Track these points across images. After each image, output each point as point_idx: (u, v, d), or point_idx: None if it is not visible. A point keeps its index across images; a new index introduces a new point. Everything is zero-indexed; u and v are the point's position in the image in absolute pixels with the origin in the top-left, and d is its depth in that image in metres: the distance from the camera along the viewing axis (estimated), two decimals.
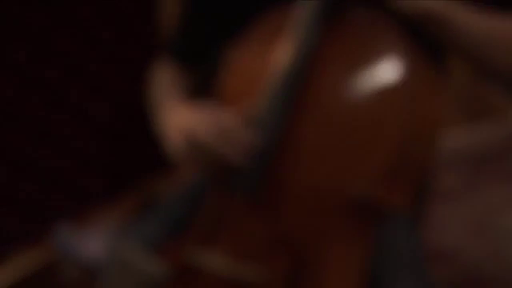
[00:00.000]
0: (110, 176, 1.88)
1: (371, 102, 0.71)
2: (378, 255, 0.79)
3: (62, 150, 1.69)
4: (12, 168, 1.58)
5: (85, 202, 1.82)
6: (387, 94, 0.71)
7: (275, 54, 0.77)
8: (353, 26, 0.78)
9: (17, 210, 1.63)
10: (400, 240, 0.90)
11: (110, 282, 0.49)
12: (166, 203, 1.01)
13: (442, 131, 0.76)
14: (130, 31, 1.72)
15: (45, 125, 1.62)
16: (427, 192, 1.23)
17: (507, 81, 0.79)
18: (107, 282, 0.49)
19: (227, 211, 0.75)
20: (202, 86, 0.99)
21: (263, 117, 0.73)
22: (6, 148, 1.55)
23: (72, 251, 1.64)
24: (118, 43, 1.73)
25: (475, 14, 0.75)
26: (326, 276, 0.70)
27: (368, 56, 0.74)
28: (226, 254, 0.73)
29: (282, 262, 0.72)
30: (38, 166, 1.64)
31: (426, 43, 0.77)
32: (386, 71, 0.72)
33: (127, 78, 1.80)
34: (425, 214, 1.28)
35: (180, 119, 0.81)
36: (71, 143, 1.72)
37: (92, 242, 1.86)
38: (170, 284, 0.75)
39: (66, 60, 1.60)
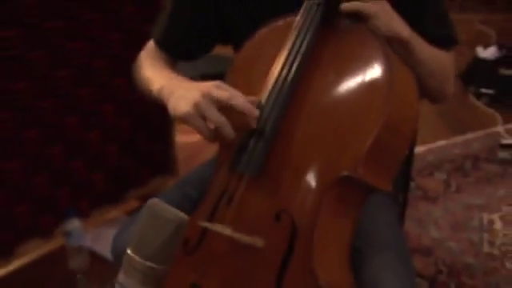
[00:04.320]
0: (116, 177, 1.97)
1: (356, 97, 0.81)
2: (361, 228, 0.90)
3: (75, 151, 1.79)
4: (31, 168, 1.67)
5: (93, 199, 1.91)
6: (370, 90, 0.81)
7: (278, 59, 0.88)
8: (342, 33, 0.90)
9: (33, 204, 1.71)
10: (381, 217, 1.00)
11: (143, 229, 0.59)
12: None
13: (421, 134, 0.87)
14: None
15: (61, 128, 1.71)
16: (407, 181, 1.34)
17: (437, 94, 1.04)
18: (141, 229, 0.59)
19: (236, 188, 0.85)
20: None
21: (266, 105, 0.84)
22: (26, 148, 1.64)
23: (80, 242, 1.73)
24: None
25: (425, 43, 0.93)
26: (316, 244, 0.80)
27: (355, 58, 0.85)
28: (233, 224, 0.83)
29: (279, 232, 0.82)
30: (54, 166, 1.74)
31: None
32: (370, 71, 0.83)
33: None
34: (407, 203, 1.38)
35: (191, 84, 0.89)
36: (83, 146, 1.80)
37: (98, 234, 1.95)
38: (189, 248, 0.86)
39: (76, 66, 1.71)
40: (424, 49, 0.93)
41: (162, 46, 1.13)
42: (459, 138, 2.75)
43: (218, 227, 0.83)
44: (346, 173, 0.79)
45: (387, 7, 0.87)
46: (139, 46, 1.75)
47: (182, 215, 0.59)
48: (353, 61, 0.85)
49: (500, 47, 3.33)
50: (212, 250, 0.86)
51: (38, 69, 1.57)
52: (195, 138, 0.95)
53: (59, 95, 1.65)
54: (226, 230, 0.82)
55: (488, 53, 3.29)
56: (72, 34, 1.63)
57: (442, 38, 1.02)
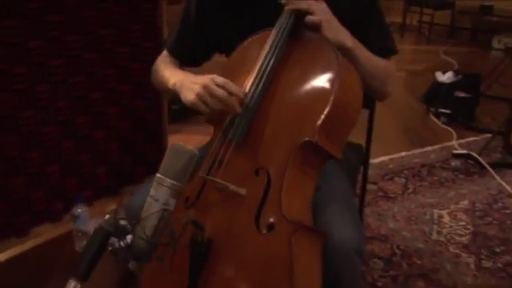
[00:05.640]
0: (116, 172, 2.22)
1: (315, 85, 1.11)
2: (320, 189, 1.19)
3: (83, 147, 2.05)
4: (46, 158, 1.92)
5: (96, 190, 2.17)
6: (325, 80, 1.11)
7: (258, 59, 1.18)
8: (306, 40, 1.21)
9: (46, 191, 1.96)
10: (336, 182, 1.30)
11: (168, 160, 0.88)
12: None
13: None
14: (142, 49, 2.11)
15: (73, 126, 1.98)
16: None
17: (379, 93, 1.37)
18: (166, 160, 0.88)
19: (225, 152, 1.14)
20: None
21: (249, 92, 1.13)
22: (44, 141, 1.90)
23: (86, 225, 1.97)
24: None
25: (367, 51, 1.23)
26: (284, 192, 1.08)
27: (315, 58, 1.17)
28: (224, 178, 1.11)
29: (258, 184, 1.10)
30: (63, 158, 2.00)
31: None
32: (325, 68, 1.14)
33: (138, 94, 2.18)
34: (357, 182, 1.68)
35: (195, 78, 1.17)
36: (90, 142, 2.07)
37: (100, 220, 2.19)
38: (192, 190, 1.14)
39: (89, 73, 1.99)
40: (366, 56, 1.24)
41: (173, 54, 1.43)
42: (418, 150, 3.09)
43: (214, 177, 1.11)
44: (306, 138, 1.08)
45: (336, 23, 1.18)
46: (142, 59, 2.07)
47: (194, 150, 0.88)
48: (313, 60, 1.16)
49: (456, 73, 3.71)
50: (207, 201, 1.14)
51: (57, 75, 1.85)
52: (184, 139, 1.23)
53: (74, 97, 1.93)
54: (220, 180, 1.11)
55: (445, 77, 3.66)
56: (88, 47, 1.92)
57: (383, 49, 1.33)
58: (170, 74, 1.34)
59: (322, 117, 1.09)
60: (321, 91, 1.12)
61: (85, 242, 1.99)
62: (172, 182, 0.87)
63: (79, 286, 0.76)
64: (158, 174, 0.88)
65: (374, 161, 2.86)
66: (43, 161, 1.91)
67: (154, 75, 1.42)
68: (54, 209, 2.01)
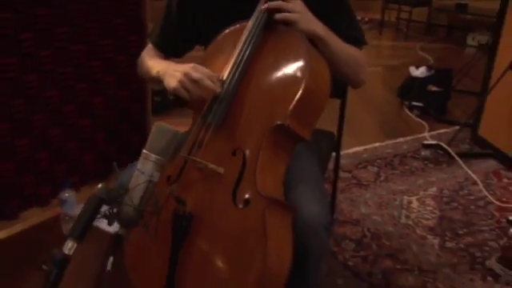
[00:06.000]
0: (102, 159, 2.31)
1: (287, 72, 1.22)
2: (291, 170, 1.30)
3: (71, 134, 2.14)
4: (36, 145, 2.01)
5: (83, 176, 2.26)
6: (296, 68, 1.22)
7: (235, 49, 1.29)
8: (279, 32, 1.32)
9: (36, 176, 2.05)
10: (306, 165, 1.41)
11: (153, 137, 0.98)
12: None
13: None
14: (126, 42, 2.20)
15: (60, 114, 2.07)
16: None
17: (352, 80, 1.46)
18: (151, 137, 0.98)
19: (205, 135, 1.25)
20: None
21: (227, 79, 1.24)
22: (34, 128, 1.99)
23: (73, 209, 2.06)
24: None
25: (338, 39, 1.34)
26: (258, 171, 1.19)
27: (288, 48, 1.28)
28: (203, 157, 1.22)
29: (234, 163, 1.21)
30: (52, 145, 2.09)
31: None
32: (297, 57, 1.25)
33: (123, 85, 2.28)
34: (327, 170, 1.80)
35: (177, 66, 1.27)
36: (77, 131, 2.16)
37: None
38: (174, 169, 1.25)
39: (77, 64, 2.08)
40: (337, 44, 1.34)
41: (158, 47, 1.53)
42: (391, 141, 3.23)
43: (194, 157, 1.22)
44: (279, 122, 1.20)
45: (308, 15, 1.29)
46: (127, 51, 2.16)
47: (176, 129, 0.99)
48: (285, 51, 1.28)
49: (429, 67, 3.86)
50: (189, 179, 1.25)
51: (46, 64, 1.94)
52: None
53: (62, 87, 2.02)
54: (199, 159, 1.22)
55: (419, 72, 3.81)
56: (75, 39, 2.02)
57: (353, 39, 1.43)
58: (154, 63, 1.44)
59: (293, 102, 1.20)
60: (292, 79, 1.23)
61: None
62: (156, 156, 0.97)
63: (76, 245, 0.86)
64: (144, 150, 0.99)
65: (348, 151, 2.99)
66: (33, 147, 2.00)
67: (140, 66, 1.52)
68: (42, 193, 2.10)
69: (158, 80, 1.37)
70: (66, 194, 2.06)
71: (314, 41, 1.30)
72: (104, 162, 2.29)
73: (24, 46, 1.85)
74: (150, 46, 1.56)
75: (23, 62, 1.87)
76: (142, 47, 1.56)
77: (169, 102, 3.23)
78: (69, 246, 0.86)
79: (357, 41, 1.46)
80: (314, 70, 1.24)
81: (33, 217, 2.11)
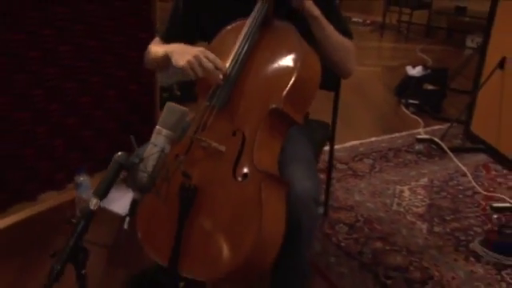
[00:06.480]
0: (115, 147, 2.46)
1: (282, 62, 1.39)
2: (286, 150, 1.46)
3: (86, 123, 2.31)
4: (53, 133, 2.18)
5: (97, 163, 2.42)
6: (290, 59, 1.39)
7: (236, 43, 1.46)
8: (275, 28, 1.48)
9: (53, 161, 2.22)
10: (299, 147, 1.57)
11: (165, 114, 1.14)
12: None
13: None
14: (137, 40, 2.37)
15: (76, 105, 2.24)
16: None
17: (342, 68, 1.58)
18: (163, 115, 1.15)
19: (209, 117, 1.41)
20: None
21: (229, 67, 1.40)
22: (51, 117, 2.16)
23: (87, 194, 2.23)
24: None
25: (331, 26, 1.49)
26: (256, 149, 1.35)
27: (282, 42, 1.44)
28: (207, 137, 1.38)
29: (235, 143, 1.37)
30: (68, 133, 2.26)
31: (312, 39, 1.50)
32: (291, 50, 1.41)
33: (133, 80, 2.44)
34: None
35: (186, 47, 1.43)
36: (92, 121, 2.33)
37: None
38: (181, 148, 1.41)
39: (92, 59, 2.25)
40: (331, 29, 1.49)
41: (164, 40, 1.70)
42: (387, 136, 3.38)
43: (199, 138, 1.39)
44: (274, 106, 1.36)
45: None
46: (138, 48, 2.32)
47: (185, 108, 1.15)
48: (280, 44, 1.44)
49: (425, 67, 4.01)
50: (194, 157, 1.41)
51: (64, 59, 2.11)
52: None
53: (78, 80, 2.19)
54: (203, 140, 1.38)
55: (415, 71, 3.97)
56: (90, 35, 2.19)
57: (343, 31, 1.57)
58: (162, 46, 1.60)
59: (287, 89, 1.36)
60: (286, 69, 1.40)
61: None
62: (168, 131, 1.14)
63: (99, 201, 1.03)
64: (157, 126, 1.15)
65: (345, 144, 3.15)
66: (50, 135, 2.17)
67: (147, 55, 1.68)
68: (58, 178, 2.27)
69: (164, 59, 1.50)
70: (81, 178, 2.22)
71: (310, 22, 1.46)
72: (116, 151, 2.44)
73: (45, 42, 2.02)
74: (156, 38, 1.72)
75: (44, 56, 2.03)
76: None
77: (175, 97, 3.40)
78: (93, 203, 1.03)
79: (346, 33, 1.60)
80: (305, 62, 1.40)
81: (50, 199, 2.28)
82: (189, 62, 1.38)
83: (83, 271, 1.02)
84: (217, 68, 1.38)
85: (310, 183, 1.44)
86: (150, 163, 1.12)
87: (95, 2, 2.16)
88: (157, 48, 1.62)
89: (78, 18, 2.12)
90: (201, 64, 1.37)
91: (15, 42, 1.95)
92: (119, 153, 1.08)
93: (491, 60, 3.03)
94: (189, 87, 3.34)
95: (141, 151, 1.19)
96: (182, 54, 1.42)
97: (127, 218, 1.12)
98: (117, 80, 2.36)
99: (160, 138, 1.14)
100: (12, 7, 1.90)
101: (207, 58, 1.37)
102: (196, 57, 1.38)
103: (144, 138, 1.29)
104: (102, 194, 1.03)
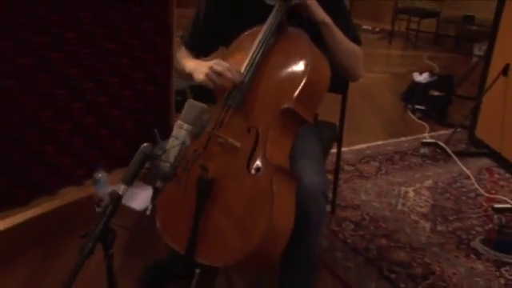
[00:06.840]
0: (131, 147, 2.56)
1: (294, 66, 1.49)
2: (297, 147, 1.56)
3: (104, 123, 2.42)
4: (73, 130, 2.29)
5: (113, 161, 2.52)
6: (302, 63, 1.49)
7: (252, 47, 1.56)
8: (288, 34, 1.59)
9: (72, 158, 2.33)
10: (309, 144, 1.67)
11: (186, 111, 1.24)
12: None
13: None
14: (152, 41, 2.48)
15: (96, 104, 2.35)
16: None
17: (351, 73, 1.70)
18: (184, 111, 1.25)
19: (225, 115, 1.52)
20: None
21: (244, 71, 1.52)
22: (73, 116, 2.27)
23: (105, 189, 2.33)
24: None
25: (341, 32, 1.60)
26: (269, 145, 1.45)
27: (294, 47, 1.55)
28: (224, 134, 1.49)
29: (249, 139, 1.48)
30: (87, 131, 2.37)
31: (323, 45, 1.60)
32: (302, 55, 1.52)
33: (150, 81, 2.55)
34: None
35: (203, 63, 1.57)
36: (109, 120, 2.43)
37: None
38: (200, 143, 1.51)
39: (110, 61, 2.35)
40: (340, 34, 1.60)
41: (189, 48, 1.81)
42: (393, 140, 3.47)
43: (216, 134, 1.49)
44: (286, 105, 1.46)
45: (317, 4, 1.55)
46: (154, 51, 2.43)
47: (204, 105, 1.25)
48: (293, 49, 1.55)
49: (432, 73, 4.10)
50: (211, 152, 1.51)
51: (85, 60, 2.23)
52: None
53: (97, 80, 2.30)
54: (221, 137, 1.48)
55: (422, 77, 4.05)
56: (109, 39, 2.30)
57: (352, 38, 1.68)
58: (186, 63, 1.74)
59: (298, 90, 1.47)
60: (298, 71, 1.50)
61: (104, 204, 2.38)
62: (188, 126, 1.24)
63: (127, 188, 1.13)
64: (178, 121, 1.26)
65: (353, 147, 3.24)
66: (70, 132, 2.27)
67: (176, 65, 1.83)
68: (77, 174, 2.37)
69: (190, 76, 1.65)
70: (100, 175, 2.33)
71: (321, 28, 1.57)
72: (132, 149, 2.55)
73: (68, 44, 2.13)
74: (183, 48, 1.84)
75: (67, 58, 2.15)
76: (167, 48, 1.79)
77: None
78: (121, 189, 1.13)
79: (355, 39, 1.71)
80: (315, 66, 1.50)
81: (69, 194, 2.38)
82: (206, 75, 1.51)
83: (111, 251, 1.12)
84: (231, 73, 1.49)
85: (319, 178, 1.54)
86: (172, 154, 1.22)
87: (115, 7, 2.27)
88: (183, 63, 1.75)
89: (98, 22, 2.23)
90: (216, 72, 1.49)
91: (40, 44, 2.06)
92: (145, 144, 1.18)
93: (495, 67, 3.12)
94: (200, 91, 3.44)
95: (164, 144, 1.30)
96: (200, 69, 1.55)
97: (150, 206, 1.22)
98: (134, 81, 2.46)
99: (181, 131, 1.24)
100: (37, 11, 2.01)
101: (221, 65, 1.49)
102: (211, 68, 1.50)
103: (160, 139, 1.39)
104: (129, 180, 1.13)
